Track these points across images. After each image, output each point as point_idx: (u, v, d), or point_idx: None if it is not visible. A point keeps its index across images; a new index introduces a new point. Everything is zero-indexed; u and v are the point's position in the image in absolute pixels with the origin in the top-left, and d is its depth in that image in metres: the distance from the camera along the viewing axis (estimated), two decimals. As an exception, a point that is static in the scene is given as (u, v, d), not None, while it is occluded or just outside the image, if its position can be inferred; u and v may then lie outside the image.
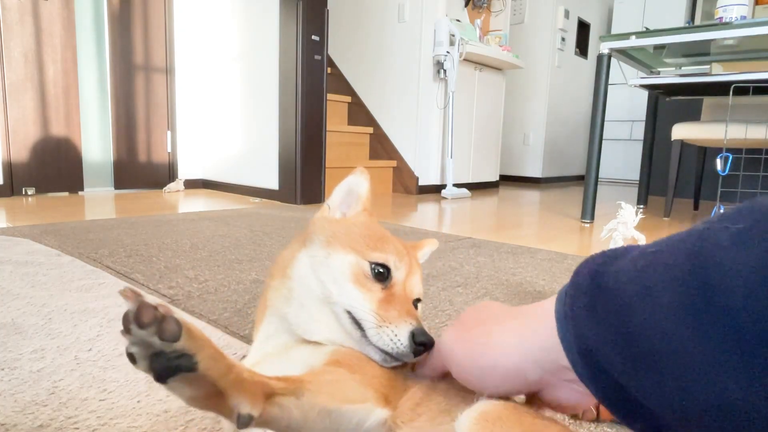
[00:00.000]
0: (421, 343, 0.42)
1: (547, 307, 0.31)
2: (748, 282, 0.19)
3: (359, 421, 0.36)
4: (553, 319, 0.29)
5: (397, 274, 0.47)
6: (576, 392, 0.32)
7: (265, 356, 0.47)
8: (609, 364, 0.25)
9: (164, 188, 3.28)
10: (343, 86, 4.00)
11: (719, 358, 0.20)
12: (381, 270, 0.46)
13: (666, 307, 0.22)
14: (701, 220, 0.24)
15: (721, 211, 0.23)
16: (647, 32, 2.25)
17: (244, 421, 0.30)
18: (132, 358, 0.27)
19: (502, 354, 0.32)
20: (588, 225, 2.38)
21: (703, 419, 0.22)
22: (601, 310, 0.25)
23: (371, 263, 0.46)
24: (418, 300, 0.50)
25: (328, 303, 0.45)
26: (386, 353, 0.42)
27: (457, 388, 0.41)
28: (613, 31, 5.10)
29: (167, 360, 0.27)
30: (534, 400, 0.36)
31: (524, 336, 0.31)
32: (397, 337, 0.42)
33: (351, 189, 0.54)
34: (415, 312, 0.47)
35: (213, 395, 0.29)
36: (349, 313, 0.44)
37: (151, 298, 0.26)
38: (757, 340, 0.19)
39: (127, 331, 0.26)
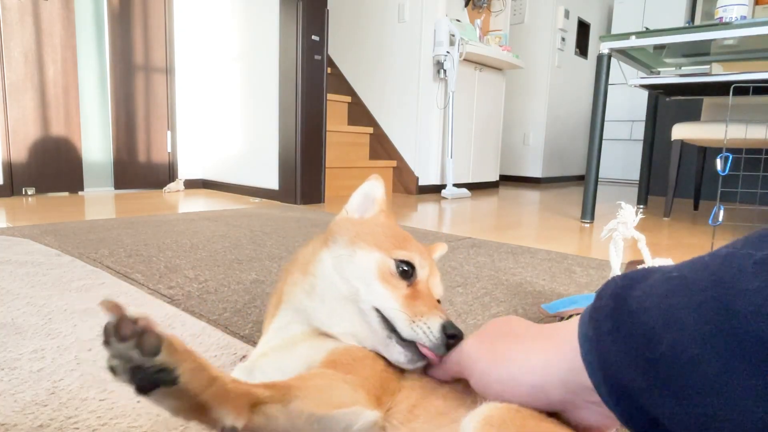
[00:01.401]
0: (452, 335, 0.43)
1: (571, 330, 0.31)
2: None
3: (348, 425, 0.36)
4: (577, 341, 0.30)
5: (422, 273, 0.48)
6: (599, 414, 0.32)
7: (270, 349, 0.48)
8: (633, 388, 0.25)
9: (164, 188, 3.28)
10: (343, 86, 4.00)
11: (746, 384, 0.20)
12: (406, 268, 0.47)
13: (691, 332, 0.22)
14: (725, 245, 0.24)
15: (745, 236, 0.23)
16: (647, 32, 2.25)
17: None
18: (113, 370, 0.27)
19: (527, 371, 0.33)
20: (588, 225, 2.38)
21: None
22: (625, 335, 0.26)
23: (396, 261, 0.47)
24: (438, 301, 0.51)
25: (355, 301, 0.46)
26: (413, 351, 0.43)
27: (457, 392, 0.41)
28: (613, 31, 5.11)
29: (147, 374, 0.26)
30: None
31: (549, 356, 0.32)
32: (431, 330, 0.43)
33: (367, 194, 0.56)
34: (442, 308, 0.47)
35: (197, 407, 0.29)
36: (377, 311, 0.45)
37: (132, 311, 0.26)
38: None
39: (107, 343, 0.26)
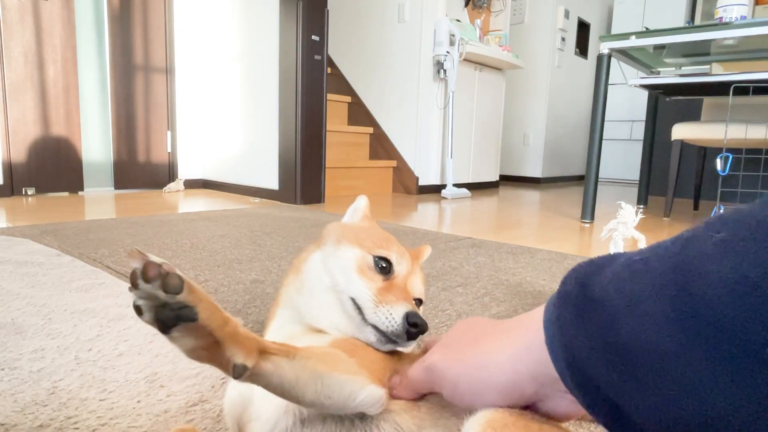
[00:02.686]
0: (414, 324, 0.45)
1: (536, 319, 0.31)
2: (732, 292, 0.19)
3: (351, 392, 0.37)
4: (542, 331, 0.29)
5: (399, 269, 0.52)
6: (570, 402, 0.32)
7: None
8: (595, 375, 0.25)
9: (164, 188, 3.28)
10: (343, 86, 4.00)
11: (705, 369, 0.20)
12: (384, 264, 0.51)
13: (651, 317, 0.22)
14: (688, 229, 0.24)
15: (712, 215, 0.23)
16: (647, 32, 2.25)
17: (238, 371, 0.32)
18: (139, 310, 0.29)
19: (498, 371, 0.32)
20: (588, 225, 2.38)
21: None
22: (587, 321, 0.25)
23: (375, 257, 0.51)
24: (420, 301, 0.54)
25: (335, 291, 0.50)
26: (381, 332, 0.46)
27: None
28: (613, 31, 5.11)
29: (171, 310, 0.29)
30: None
31: (517, 350, 0.31)
32: (392, 315, 0.46)
33: (354, 208, 0.64)
34: (413, 300, 0.51)
35: (211, 346, 0.32)
36: (353, 300, 0.48)
37: (155, 257, 0.29)
38: (743, 351, 0.19)
39: (134, 286, 0.29)
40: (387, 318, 0.45)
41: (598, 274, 0.26)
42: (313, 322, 0.50)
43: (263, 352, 0.34)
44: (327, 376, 0.36)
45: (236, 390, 0.46)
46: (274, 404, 0.41)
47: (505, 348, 0.32)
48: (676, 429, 0.22)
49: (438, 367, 0.37)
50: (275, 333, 0.52)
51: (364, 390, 0.37)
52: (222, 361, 0.32)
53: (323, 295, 0.50)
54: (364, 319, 0.47)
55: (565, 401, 0.32)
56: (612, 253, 0.29)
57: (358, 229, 0.56)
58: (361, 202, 0.63)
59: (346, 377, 0.37)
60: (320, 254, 0.53)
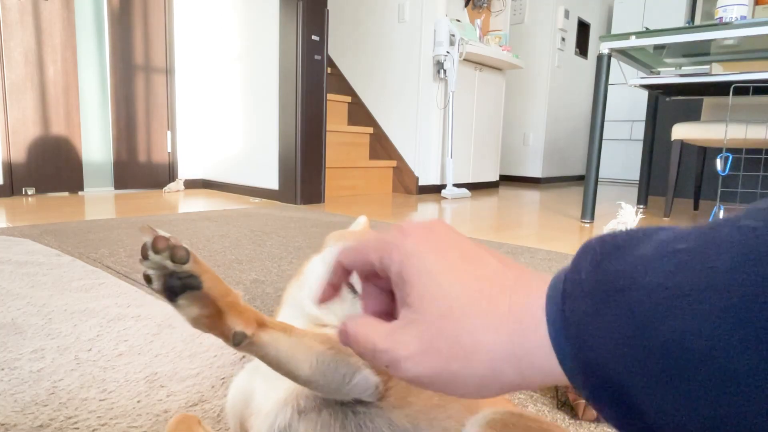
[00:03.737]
0: None
1: (536, 302, 0.25)
2: None
3: (346, 374, 0.37)
4: (544, 319, 0.24)
5: None
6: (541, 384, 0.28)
7: None
8: (621, 382, 0.21)
9: (164, 188, 3.28)
10: (343, 86, 4.00)
11: None
12: None
13: (707, 320, 0.18)
14: (739, 215, 0.20)
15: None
16: (647, 32, 2.25)
17: (237, 338, 0.35)
18: (148, 279, 0.31)
19: (480, 365, 0.26)
20: (588, 225, 2.38)
21: None
22: (612, 318, 0.21)
23: None
24: None
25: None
26: None
27: None
28: (613, 31, 5.11)
29: (177, 279, 0.32)
30: None
31: (508, 339, 0.25)
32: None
33: (356, 223, 0.67)
34: None
35: (214, 315, 0.34)
36: (350, 285, 0.49)
37: (164, 232, 0.31)
38: None
39: (144, 257, 0.31)
40: None
41: (620, 259, 0.22)
42: (314, 313, 0.51)
43: (262, 324, 0.37)
44: (322, 354, 0.37)
45: (238, 387, 0.46)
46: (274, 398, 0.41)
47: (491, 332, 0.25)
48: None
49: (401, 352, 0.27)
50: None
51: (358, 373, 0.38)
52: (223, 330, 0.34)
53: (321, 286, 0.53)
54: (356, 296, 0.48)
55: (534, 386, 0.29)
56: (627, 229, 0.24)
57: (358, 233, 0.59)
58: (361, 220, 0.66)
59: (341, 358, 0.38)
60: (320, 256, 0.55)
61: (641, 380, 0.20)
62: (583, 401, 0.65)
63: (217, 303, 0.34)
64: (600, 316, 0.22)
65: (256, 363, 0.49)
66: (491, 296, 0.26)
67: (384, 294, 0.31)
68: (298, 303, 0.54)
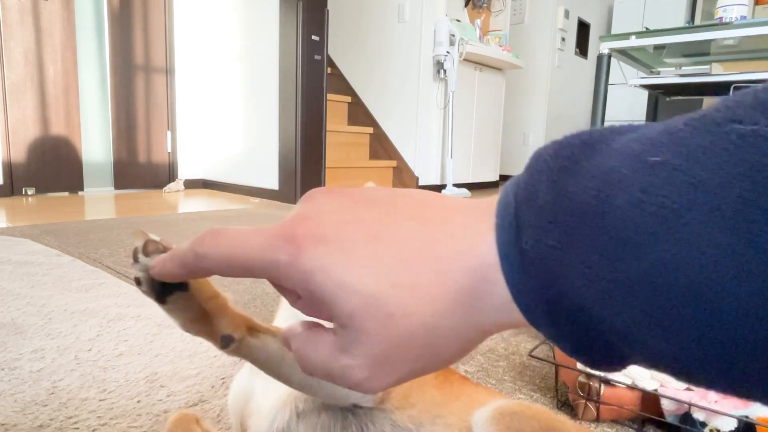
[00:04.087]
0: None
1: (482, 241, 0.21)
2: None
3: None
4: (497, 259, 0.20)
5: None
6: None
7: None
8: (596, 322, 0.18)
9: (164, 188, 3.28)
10: (343, 86, 4.00)
11: None
12: None
13: (699, 245, 0.15)
14: (714, 109, 0.17)
15: (761, 91, 0.16)
16: (647, 32, 2.25)
17: (225, 341, 0.35)
18: (138, 281, 0.31)
19: (445, 342, 0.22)
20: (588, 225, 2.38)
21: (740, 384, 0.17)
22: (585, 249, 0.18)
23: None
24: None
25: None
26: None
27: (452, 383, 0.41)
28: (613, 31, 5.11)
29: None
30: None
31: (463, 298, 0.21)
32: None
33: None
34: None
35: (203, 318, 0.34)
36: None
37: (154, 236, 0.31)
38: None
39: (135, 260, 0.31)
40: None
41: (579, 174, 0.19)
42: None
43: (252, 328, 0.36)
44: None
45: (239, 385, 0.46)
46: (273, 398, 0.41)
47: (444, 312, 0.21)
48: (713, 377, 0.17)
49: (324, 275, 0.21)
50: (287, 307, 0.53)
51: None
52: (212, 333, 0.34)
53: None
54: None
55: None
56: (581, 132, 0.20)
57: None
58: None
59: None
60: None
61: (620, 318, 0.18)
62: (582, 401, 0.65)
63: (205, 306, 0.34)
64: (569, 247, 0.18)
65: None
66: (425, 270, 0.21)
67: None
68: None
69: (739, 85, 2.12)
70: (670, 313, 0.16)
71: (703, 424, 0.58)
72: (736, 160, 0.15)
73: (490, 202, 0.22)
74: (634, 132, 0.19)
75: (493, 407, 0.34)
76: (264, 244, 0.22)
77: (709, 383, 0.17)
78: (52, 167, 2.83)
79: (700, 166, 0.16)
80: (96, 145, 3.06)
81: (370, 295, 0.20)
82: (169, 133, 3.34)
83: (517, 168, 5.16)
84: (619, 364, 0.20)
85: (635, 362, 0.19)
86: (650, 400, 0.63)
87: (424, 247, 0.21)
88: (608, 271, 0.17)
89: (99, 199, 2.77)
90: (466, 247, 0.21)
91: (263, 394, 0.42)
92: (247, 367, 0.48)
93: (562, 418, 0.36)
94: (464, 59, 3.56)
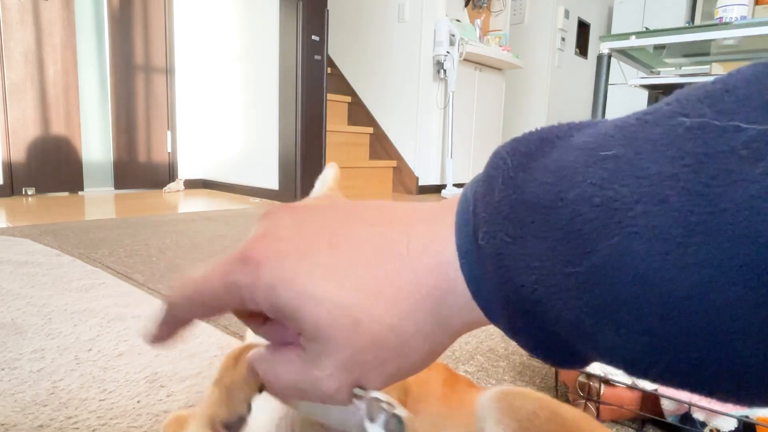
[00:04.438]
0: None
1: (441, 241, 0.21)
2: None
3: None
4: (455, 256, 0.20)
5: None
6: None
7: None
8: (549, 315, 0.18)
9: (164, 188, 3.28)
10: (343, 86, 4.00)
11: (728, 298, 0.15)
12: None
13: (649, 237, 0.15)
14: (664, 102, 0.17)
15: (710, 84, 0.16)
16: (647, 32, 2.25)
17: None
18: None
19: (415, 344, 0.21)
20: (588, 225, 2.38)
21: (687, 377, 0.17)
22: (537, 243, 0.18)
23: None
24: None
25: None
26: None
27: (456, 391, 0.41)
28: (613, 31, 5.11)
29: None
30: None
31: (427, 301, 0.21)
32: None
33: (322, 179, 0.56)
34: None
35: None
36: None
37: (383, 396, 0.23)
38: None
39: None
40: None
41: (535, 169, 0.19)
42: None
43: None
44: None
45: None
46: (263, 419, 0.39)
47: (409, 312, 0.21)
48: (665, 371, 0.17)
49: (275, 279, 0.21)
50: (252, 337, 0.48)
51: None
52: None
53: None
54: None
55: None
56: (537, 129, 0.20)
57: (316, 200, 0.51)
58: (329, 173, 0.55)
59: None
60: None
61: (573, 312, 0.17)
62: (582, 401, 0.65)
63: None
64: (523, 242, 0.18)
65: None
66: (387, 270, 0.21)
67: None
68: None
69: (739, 85, 2.12)
70: (620, 306, 0.16)
71: (703, 424, 0.58)
72: (681, 152, 0.15)
73: (452, 201, 0.22)
74: (593, 127, 0.19)
75: (496, 388, 0.34)
76: (223, 271, 0.21)
77: (660, 377, 0.17)
78: (52, 167, 2.83)
79: (648, 159, 0.16)
80: (96, 145, 3.06)
81: (334, 303, 0.20)
82: (169, 133, 3.34)
83: (517, 168, 5.16)
84: (579, 362, 0.20)
85: (593, 358, 0.19)
86: (650, 400, 0.63)
87: (384, 249, 0.21)
88: (560, 264, 0.17)
89: (99, 199, 2.77)
90: (426, 245, 0.21)
91: (255, 413, 0.41)
92: None
93: (566, 406, 0.36)
94: (464, 59, 3.56)
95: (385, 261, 0.21)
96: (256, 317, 0.23)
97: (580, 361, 0.20)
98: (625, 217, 0.16)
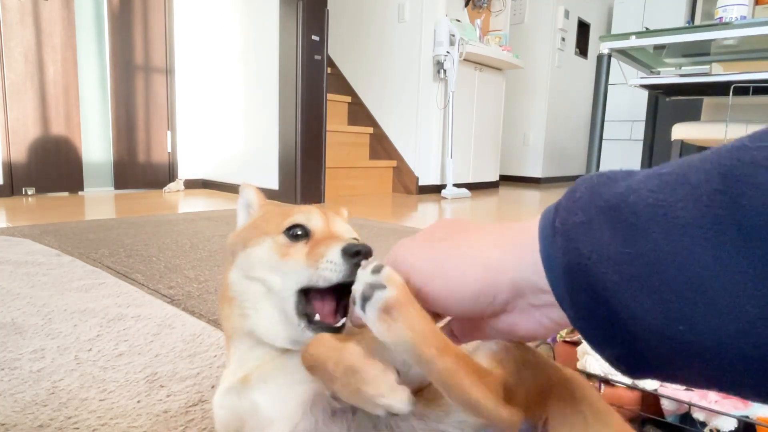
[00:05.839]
0: (356, 253, 0.39)
1: (530, 225, 0.28)
2: None
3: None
4: (536, 236, 0.27)
5: (314, 224, 0.46)
6: (536, 322, 0.29)
7: (252, 371, 0.45)
8: (602, 284, 0.23)
9: (164, 188, 3.28)
10: (343, 86, 4.00)
11: (742, 286, 0.19)
12: (297, 231, 0.45)
13: (685, 226, 0.20)
14: (731, 142, 0.22)
15: (753, 133, 0.21)
16: (647, 32, 2.25)
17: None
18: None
19: (476, 270, 0.29)
20: (588, 225, 2.38)
21: (706, 354, 0.21)
22: (600, 227, 0.23)
23: (284, 232, 0.45)
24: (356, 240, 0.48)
25: (276, 295, 0.44)
26: (317, 328, 0.41)
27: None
28: (613, 31, 5.10)
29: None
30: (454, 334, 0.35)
31: (502, 252, 0.28)
32: (331, 261, 0.40)
33: (245, 203, 0.57)
34: (343, 236, 0.46)
35: None
36: (297, 293, 0.43)
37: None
38: None
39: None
40: (327, 268, 0.40)
41: (612, 185, 0.24)
42: (276, 343, 0.44)
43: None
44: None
45: (227, 407, 0.44)
46: (292, 404, 0.39)
47: (488, 247, 0.29)
48: (688, 348, 0.21)
49: (405, 260, 0.32)
50: (239, 368, 0.46)
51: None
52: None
53: (270, 308, 0.45)
54: (308, 303, 0.43)
55: (532, 319, 0.29)
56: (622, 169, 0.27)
57: (255, 221, 0.51)
58: (249, 194, 0.57)
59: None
60: (237, 270, 0.47)
61: (620, 284, 0.22)
62: (583, 401, 0.65)
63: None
64: (590, 225, 0.24)
65: (235, 378, 0.46)
66: (494, 230, 0.30)
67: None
68: (248, 333, 0.47)
69: (739, 86, 2.12)
70: (660, 279, 0.21)
71: (703, 424, 0.58)
72: (715, 165, 0.21)
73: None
74: (657, 167, 0.25)
75: (488, 345, 0.35)
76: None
77: (682, 340, 0.21)
78: (52, 167, 2.83)
79: (695, 171, 0.21)
80: (96, 145, 3.06)
81: (447, 258, 0.31)
82: (169, 133, 3.34)
83: (517, 168, 5.16)
84: (620, 344, 0.24)
85: (629, 335, 0.24)
86: (650, 399, 0.63)
87: (491, 234, 0.30)
88: (619, 245, 0.22)
89: (99, 199, 2.77)
90: (518, 233, 0.29)
91: (272, 406, 0.40)
92: (224, 389, 0.45)
93: (553, 363, 0.37)
94: (464, 59, 3.56)
95: (487, 242, 0.30)
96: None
97: (621, 342, 0.24)
98: (669, 213, 0.21)
